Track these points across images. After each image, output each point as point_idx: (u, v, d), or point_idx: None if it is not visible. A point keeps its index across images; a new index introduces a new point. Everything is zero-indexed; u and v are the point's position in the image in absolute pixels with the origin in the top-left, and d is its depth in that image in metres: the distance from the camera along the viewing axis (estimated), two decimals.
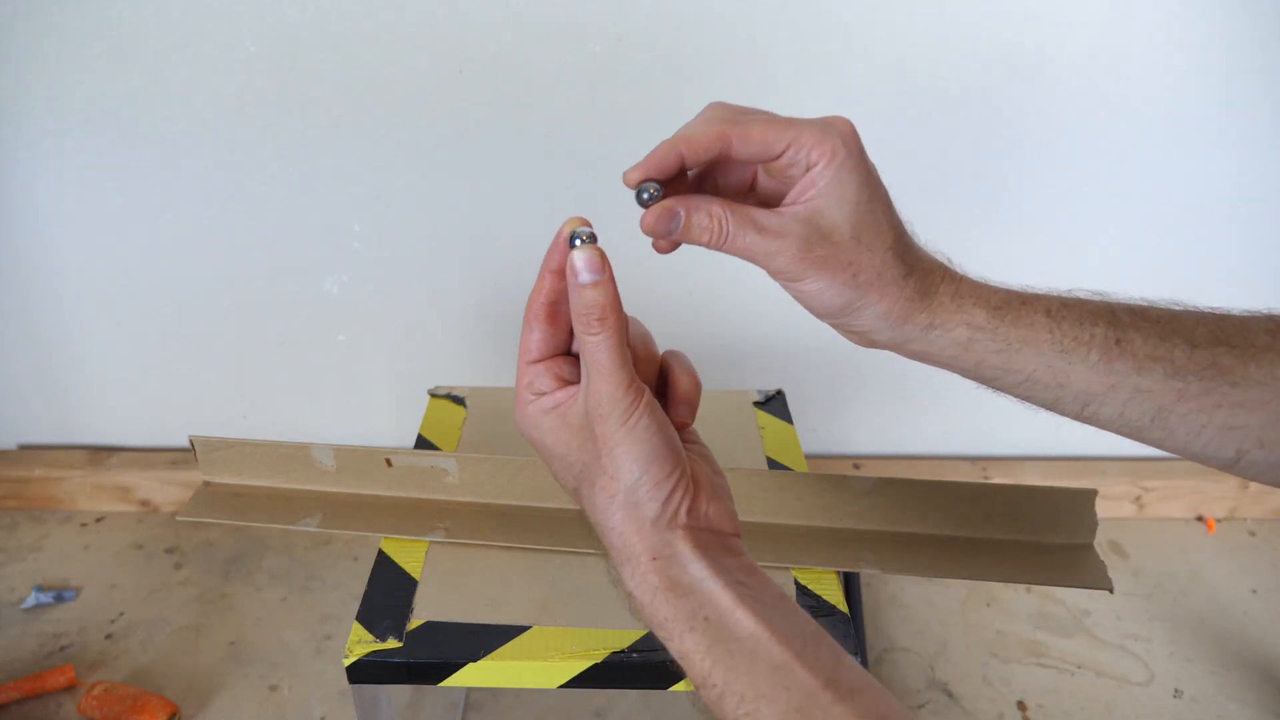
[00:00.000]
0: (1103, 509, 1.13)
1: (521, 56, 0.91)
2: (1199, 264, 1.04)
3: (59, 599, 0.97)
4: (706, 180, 0.45)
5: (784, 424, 0.83)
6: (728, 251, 0.41)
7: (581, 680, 0.56)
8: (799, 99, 0.94)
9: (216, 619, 0.96)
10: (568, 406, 0.41)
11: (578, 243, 0.40)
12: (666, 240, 0.43)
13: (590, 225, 0.41)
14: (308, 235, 1.02)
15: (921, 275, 0.42)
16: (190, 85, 0.93)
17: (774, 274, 0.42)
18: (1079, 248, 1.03)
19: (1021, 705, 0.87)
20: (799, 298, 0.43)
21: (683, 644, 0.38)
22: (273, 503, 0.70)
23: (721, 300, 1.06)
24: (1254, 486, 1.13)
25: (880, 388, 1.13)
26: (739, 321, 1.07)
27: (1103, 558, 0.66)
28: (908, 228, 0.43)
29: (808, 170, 0.40)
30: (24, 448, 1.18)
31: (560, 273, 0.42)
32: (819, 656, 0.37)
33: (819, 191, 0.40)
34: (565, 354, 0.44)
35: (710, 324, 1.08)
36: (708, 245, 0.42)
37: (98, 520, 1.12)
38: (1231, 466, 0.42)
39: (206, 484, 0.72)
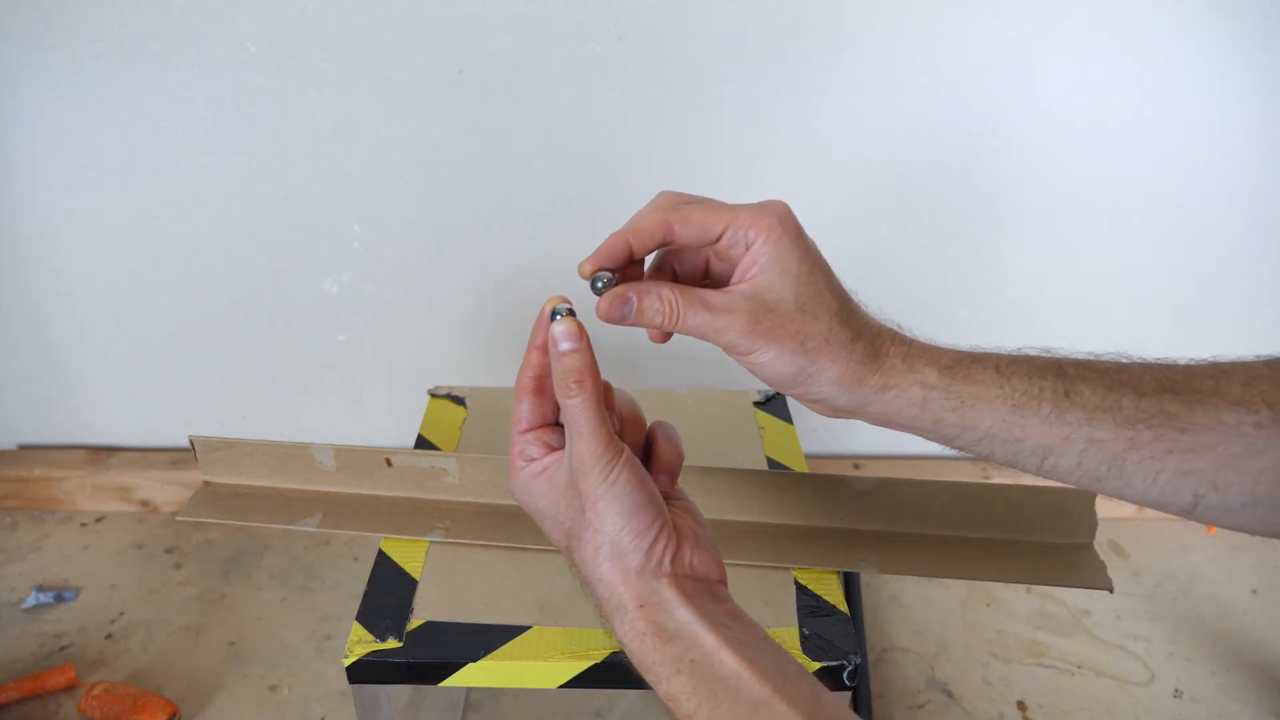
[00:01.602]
0: (1103, 509, 1.13)
1: (521, 56, 0.91)
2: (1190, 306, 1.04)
3: (59, 599, 0.97)
4: (664, 269, 0.48)
5: (784, 424, 0.83)
6: (681, 331, 0.44)
7: (581, 680, 0.56)
8: (799, 99, 0.94)
9: (216, 619, 0.96)
10: (554, 469, 0.44)
11: (557, 317, 0.43)
12: (625, 324, 0.45)
13: (569, 301, 0.44)
14: (308, 235, 1.02)
15: (869, 339, 0.45)
16: (190, 85, 0.93)
17: (727, 349, 0.44)
18: (1075, 285, 1.03)
19: (1021, 705, 0.87)
20: (754, 370, 0.45)
21: (670, 686, 0.40)
22: (273, 503, 0.70)
23: None
24: None
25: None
26: None
27: (1103, 558, 0.66)
28: (852, 296, 0.46)
29: (747, 249, 0.43)
30: (24, 448, 1.18)
31: (543, 349, 0.44)
32: (799, 692, 0.38)
33: (760, 268, 0.43)
34: (553, 424, 0.47)
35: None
36: (660, 327, 0.45)
37: (98, 520, 1.12)
38: (1190, 512, 0.43)
39: (206, 484, 0.72)
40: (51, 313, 1.07)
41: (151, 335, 1.09)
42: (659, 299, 0.44)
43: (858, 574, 0.99)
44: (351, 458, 0.70)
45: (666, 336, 0.46)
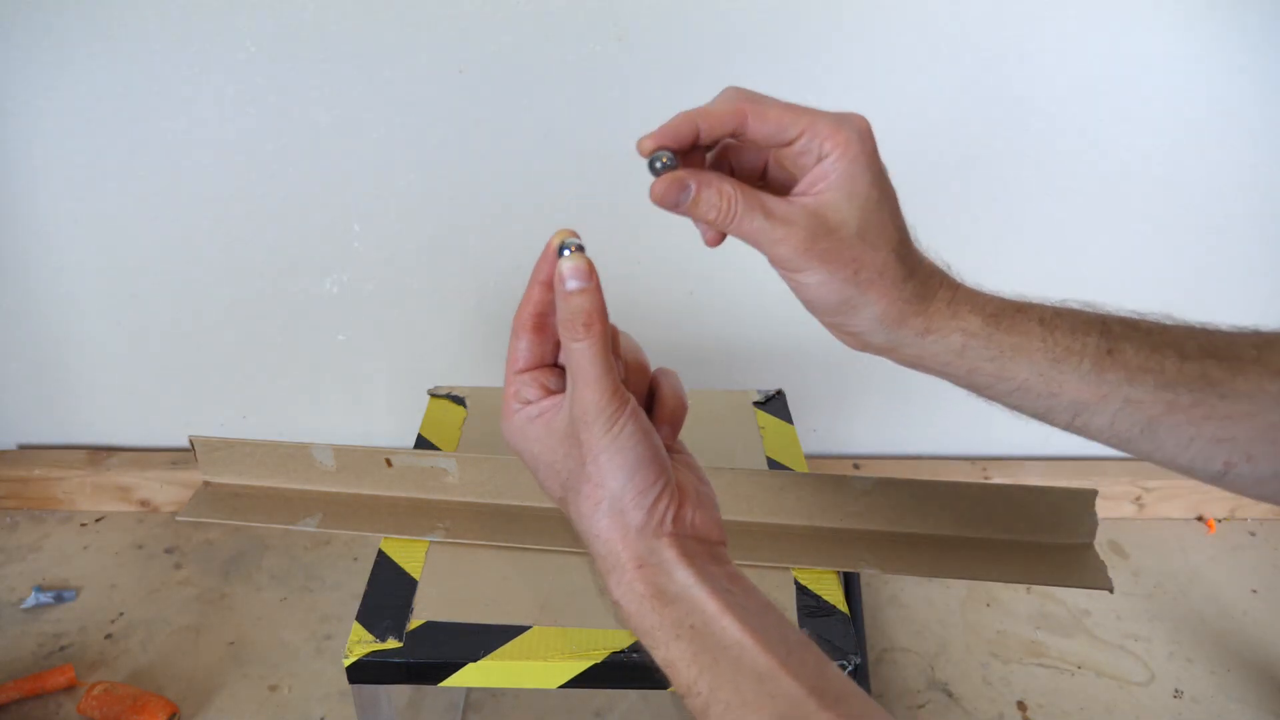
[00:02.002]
0: (1103, 509, 1.13)
1: (521, 56, 0.91)
2: (1196, 274, 1.04)
3: (59, 599, 0.97)
4: (721, 165, 0.45)
5: (784, 424, 0.83)
6: (733, 233, 0.41)
7: (581, 680, 0.56)
8: (798, 99, 0.94)
9: (216, 619, 0.96)
10: (553, 414, 0.42)
11: (566, 253, 0.40)
12: (677, 211, 0.42)
13: (579, 236, 0.40)
14: (308, 235, 1.02)
15: (922, 279, 0.42)
16: (190, 85, 0.93)
17: (775, 262, 0.42)
18: (1074, 254, 1.03)
19: (1021, 705, 0.87)
20: (797, 290, 0.43)
21: (668, 651, 0.38)
22: (273, 503, 0.70)
23: (721, 300, 1.06)
24: None
25: (880, 388, 1.13)
26: (739, 321, 1.07)
27: (1103, 558, 0.66)
28: (911, 232, 0.43)
29: (819, 161, 0.41)
30: (24, 448, 1.18)
31: (548, 284, 0.41)
32: (804, 664, 0.37)
33: (829, 185, 0.40)
34: (552, 365, 0.44)
35: (710, 324, 1.08)
36: (714, 223, 0.41)
37: (98, 520, 1.12)
38: (1220, 479, 0.42)
39: (206, 484, 0.72)
40: (51, 313, 1.07)
41: (151, 335, 1.09)
42: (719, 193, 0.41)
43: (858, 574, 0.99)
44: (351, 458, 0.70)
45: (720, 238, 0.44)
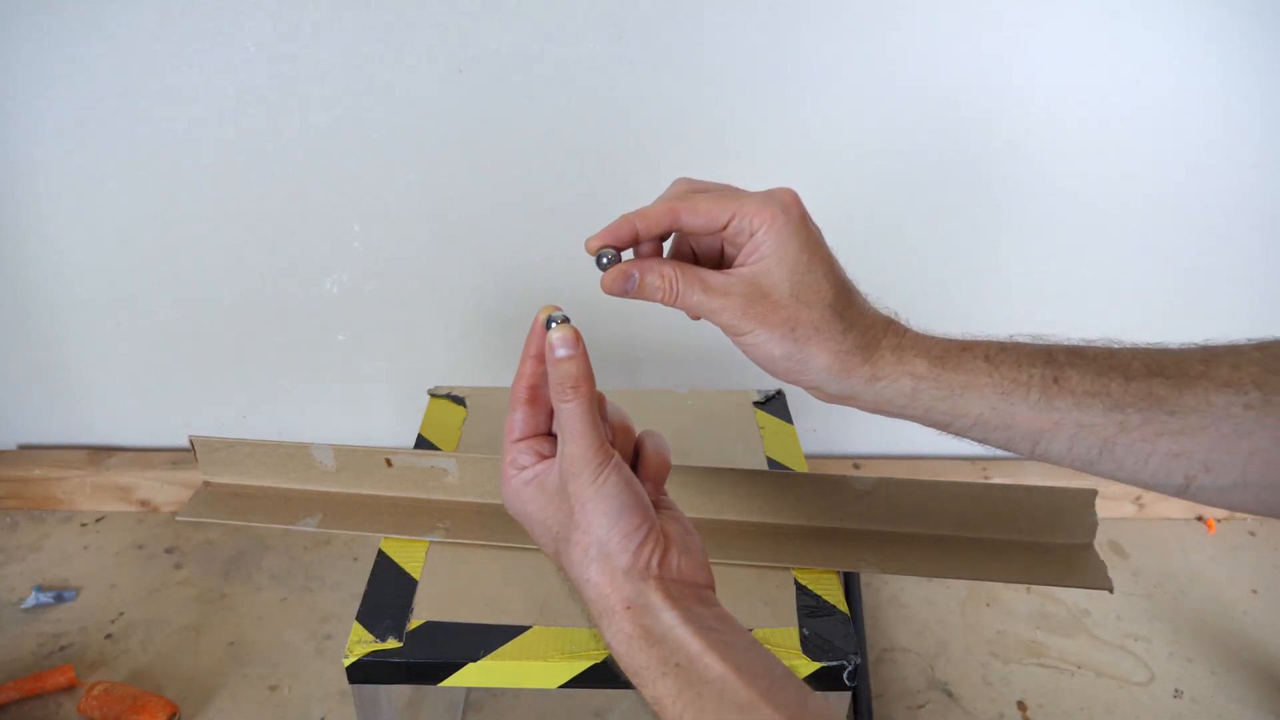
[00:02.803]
0: (1103, 509, 1.13)
1: (521, 56, 0.91)
2: (1193, 280, 1.04)
3: (59, 599, 0.97)
4: (683, 249, 0.49)
5: (784, 424, 0.83)
6: (679, 307, 0.46)
7: (581, 680, 0.56)
8: (798, 99, 0.94)
9: (216, 619, 0.96)
10: (545, 475, 0.45)
11: (553, 325, 0.45)
12: (627, 296, 0.47)
13: (562, 309, 0.46)
14: (308, 235, 1.02)
15: (862, 330, 0.45)
16: (190, 85, 0.93)
17: (723, 328, 0.46)
18: (1072, 258, 1.03)
19: (1021, 705, 0.87)
20: (746, 351, 0.46)
21: (656, 689, 0.40)
22: (273, 503, 0.70)
23: None
24: None
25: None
26: None
27: (1103, 558, 0.66)
28: (852, 286, 0.47)
29: (751, 236, 0.45)
30: (24, 448, 1.18)
31: (539, 357, 0.46)
32: (785, 696, 0.39)
33: (761, 255, 0.45)
34: (545, 434, 0.48)
35: (710, 324, 1.07)
36: (661, 301, 0.46)
37: (98, 520, 1.12)
38: (1183, 492, 0.43)
39: (206, 484, 0.72)
40: (51, 313, 1.07)
41: (151, 335, 1.09)
42: (660, 276, 0.46)
43: (858, 574, 0.99)
44: (351, 458, 0.70)
45: (697, 316, 0.48)
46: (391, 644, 0.56)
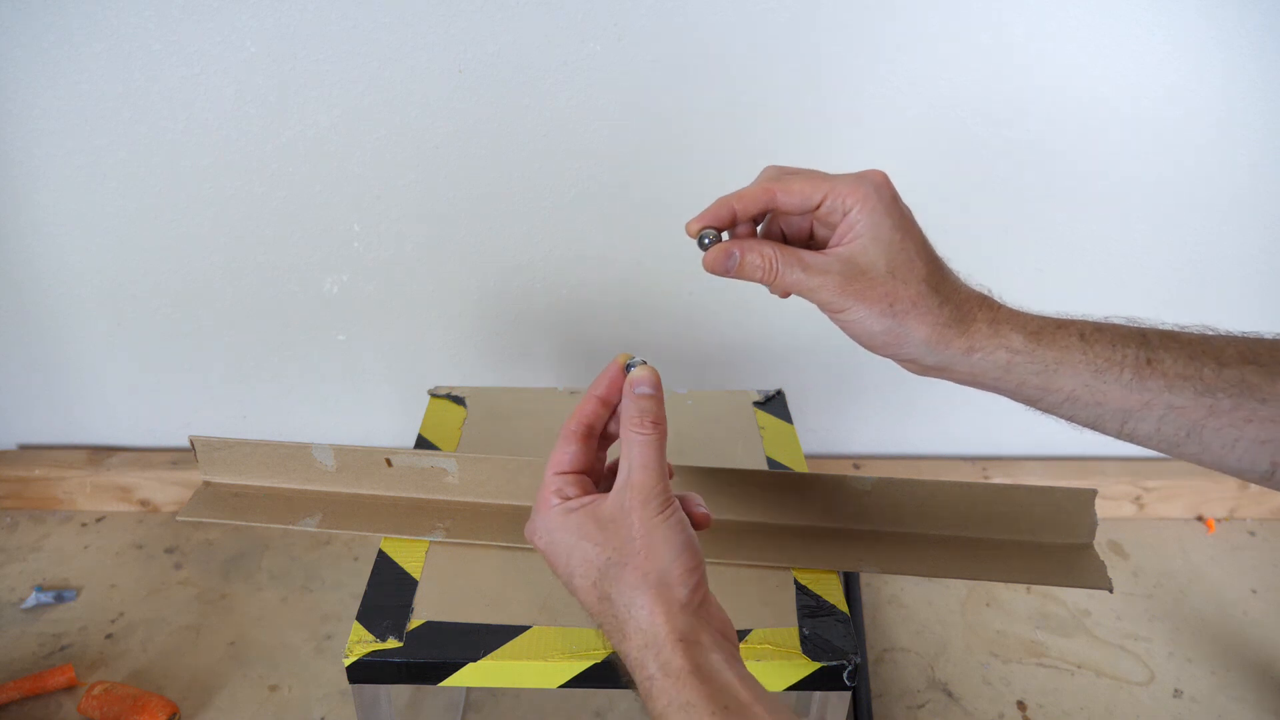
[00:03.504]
0: (1103, 509, 1.14)
1: (521, 56, 0.91)
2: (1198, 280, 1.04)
3: (59, 599, 0.97)
4: (773, 231, 0.51)
5: (784, 424, 0.83)
6: (779, 286, 0.48)
7: (581, 680, 0.56)
8: (798, 100, 0.94)
9: (216, 619, 0.96)
10: (598, 505, 0.46)
11: (632, 367, 0.49)
12: (728, 275, 0.49)
13: (638, 357, 0.49)
14: (308, 235, 1.02)
15: (956, 304, 0.47)
16: (190, 85, 0.93)
17: (821, 306, 0.48)
18: (1075, 257, 1.03)
19: (1021, 705, 0.87)
20: (844, 328, 0.48)
21: None
22: (273, 503, 0.70)
23: (721, 300, 1.06)
24: (1254, 486, 1.13)
25: (880, 388, 1.13)
26: (739, 321, 1.07)
27: (1103, 558, 0.66)
28: (944, 263, 0.48)
29: (844, 216, 0.47)
30: (24, 448, 1.18)
31: (605, 400, 0.49)
32: None
33: (855, 234, 0.46)
34: (586, 473, 0.49)
35: (710, 324, 1.08)
36: (760, 280, 0.48)
37: (98, 520, 1.12)
38: (1268, 479, 0.44)
39: (207, 484, 0.72)
40: (51, 313, 1.07)
41: (151, 335, 1.09)
42: (760, 255, 0.48)
43: (857, 574, 0.99)
44: (351, 458, 0.70)
45: (787, 293, 0.50)
46: (391, 644, 0.56)
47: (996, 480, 1.12)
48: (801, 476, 0.68)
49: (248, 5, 0.89)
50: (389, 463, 0.69)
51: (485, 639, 0.57)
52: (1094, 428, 0.48)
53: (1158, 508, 1.14)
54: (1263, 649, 0.93)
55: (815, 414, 1.15)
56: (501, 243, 1.02)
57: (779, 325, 1.07)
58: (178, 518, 0.69)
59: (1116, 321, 0.47)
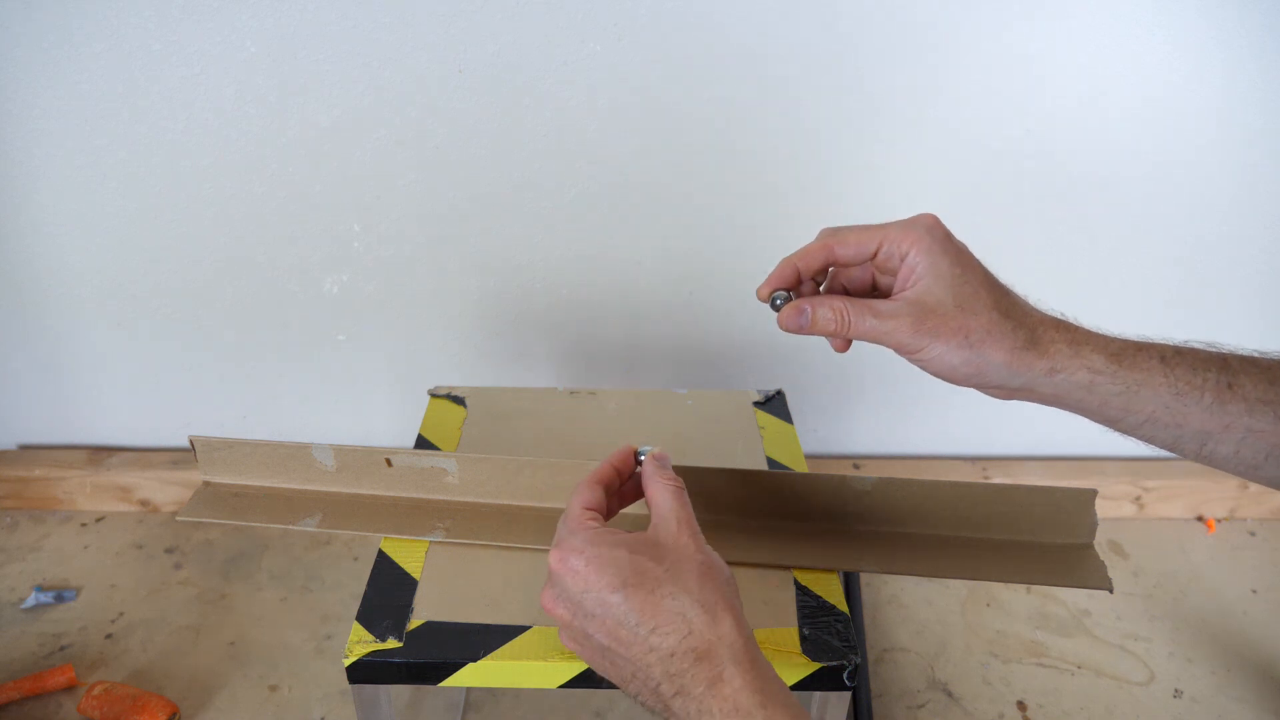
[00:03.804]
0: (1103, 509, 1.14)
1: (521, 56, 0.91)
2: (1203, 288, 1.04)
3: (59, 599, 0.97)
4: (835, 286, 0.54)
5: (784, 424, 0.83)
6: (854, 336, 0.50)
7: (581, 680, 0.56)
8: (798, 100, 0.94)
9: (216, 619, 0.96)
10: (641, 533, 0.49)
11: (644, 454, 0.55)
12: (803, 332, 0.52)
13: (649, 446, 0.55)
14: (308, 235, 1.02)
15: (1030, 328, 0.48)
16: (190, 85, 0.93)
17: (898, 349, 0.50)
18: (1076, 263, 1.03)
19: (1021, 705, 0.87)
20: (925, 366, 0.50)
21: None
22: (272, 503, 0.70)
23: (721, 300, 1.06)
24: (1254, 486, 1.13)
25: (880, 388, 1.13)
26: (739, 322, 1.07)
27: (1103, 558, 0.66)
28: (1011, 290, 0.50)
29: (903, 260, 0.49)
30: (24, 448, 1.18)
31: (618, 469, 0.54)
32: None
33: (917, 275, 0.48)
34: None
35: (710, 324, 1.08)
36: (834, 332, 0.50)
37: (98, 520, 1.12)
38: None
39: (206, 484, 0.72)
40: (52, 313, 1.07)
41: (151, 335, 1.09)
42: (831, 309, 0.50)
43: (858, 574, 0.99)
44: (351, 458, 0.70)
45: (847, 344, 0.53)
46: (391, 644, 0.56)
47: (996, 480, 1.12)
48: (800, 476, 0.68)
49: (248, 5, 0.89)
50: (389, 463, 0.69)
51: (485, 639, 0.57)
52: (1172, 449, 0.49)
53: (1158, 508, 1.14)
54: (1263, 649, 0.93)
55: (815, 414, 1.15)
56: (501, 243, 1.02)
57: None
58: (178, 518, 0.69)
59: (1196, 345, 0.48)
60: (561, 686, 0.56)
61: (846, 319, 0.50)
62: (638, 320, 1.06)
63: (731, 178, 0.98)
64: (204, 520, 0.68)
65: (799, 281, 0.52)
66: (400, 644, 0.56)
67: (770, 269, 0.53)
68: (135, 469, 1.12)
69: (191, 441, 0.71)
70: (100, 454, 1.15)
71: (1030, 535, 0.66)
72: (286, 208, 1.00)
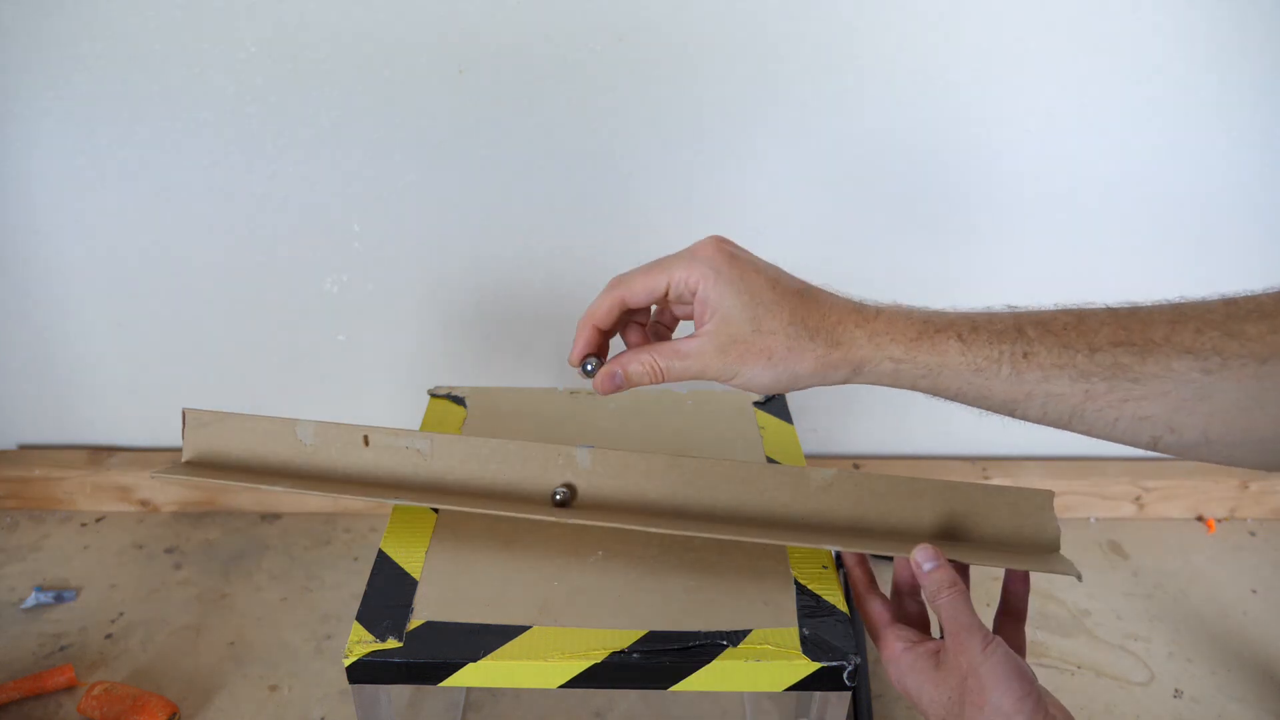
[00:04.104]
0: (1103, 509, 1.14)
1: (521, 56, 0.92)
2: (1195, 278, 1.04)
3: (59, 599, 0.97)
4: (659, 330, 0.57)
5: (784, 424, 0.83)
6: (669, 380, 0.52)
7: (581, 680, 0.56)
8: (799, 97, 0.94)
9: (216, 619, 0.96)
10: (933, 645, 0.52)
11: (916, 552, 0.54)
12: (621, 390, 0.53)
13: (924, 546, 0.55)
14: (308, 235, 1.02)
15: (828, 330, 0.50)
16: (190, 85, 0.93)
17: (713, 380, 0.51)
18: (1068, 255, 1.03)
19: None
20: (741, 388, 0.51)
21: None
22: (248, 474, 0.68)
23: None
24: (1254, 486, 1.13)
25: (880, 388, 1.13)
26: None
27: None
28: (808, 290, 0.51)
29: (694, 295, 0.50)
30: (24, 448, 1.18)
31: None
32: None
33: (710, 308, 0.49)
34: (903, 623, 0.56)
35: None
36: (652, 382, 0.52)
37: (98, 520, 1.12)
38: (1153, 448, 0.47)
39: (187, 464, 0.71)
40: (51, 312, 1.07)
41: (151, 335, 1.09)
42: (639, 364, 0.52)
43: None
44: (330, 434, 0.69)
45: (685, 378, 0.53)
46: (391, 644, 0.56)
47: (996, 481, 1.12)
48: (764, 468, 0.66)
49: (248, 5, 0.89)
50: (366, 441, 0.69)
51: (485, 639, 0.57)
52: (987, 411, 0.51)
53: (1158, 508, 1.14)
54: (1263, 649, 0.93)
55: (815, 414, 1.15)
56: (502, 242, 1.02)
57: None
58: (152, 474, 0.68)
59: (995, 312, 0.49)
60: (561, 686, 0.56)
61: (656, 368, 0.51)
62: None
63: (733, 176, 0.98)
64: (177, 477, 0.67)
65: (605, 339, 0.53)
66: (400, 644, 0.56)
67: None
68: (135, 469, 1.12)
69: (184, 413, 0.70)
70: (100, 454, 1.15)
71: (993, 532, 0.64)
72: (286, 208, 1.00)
